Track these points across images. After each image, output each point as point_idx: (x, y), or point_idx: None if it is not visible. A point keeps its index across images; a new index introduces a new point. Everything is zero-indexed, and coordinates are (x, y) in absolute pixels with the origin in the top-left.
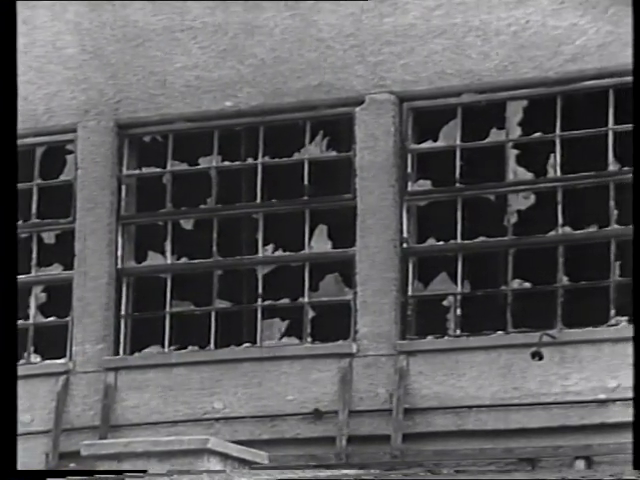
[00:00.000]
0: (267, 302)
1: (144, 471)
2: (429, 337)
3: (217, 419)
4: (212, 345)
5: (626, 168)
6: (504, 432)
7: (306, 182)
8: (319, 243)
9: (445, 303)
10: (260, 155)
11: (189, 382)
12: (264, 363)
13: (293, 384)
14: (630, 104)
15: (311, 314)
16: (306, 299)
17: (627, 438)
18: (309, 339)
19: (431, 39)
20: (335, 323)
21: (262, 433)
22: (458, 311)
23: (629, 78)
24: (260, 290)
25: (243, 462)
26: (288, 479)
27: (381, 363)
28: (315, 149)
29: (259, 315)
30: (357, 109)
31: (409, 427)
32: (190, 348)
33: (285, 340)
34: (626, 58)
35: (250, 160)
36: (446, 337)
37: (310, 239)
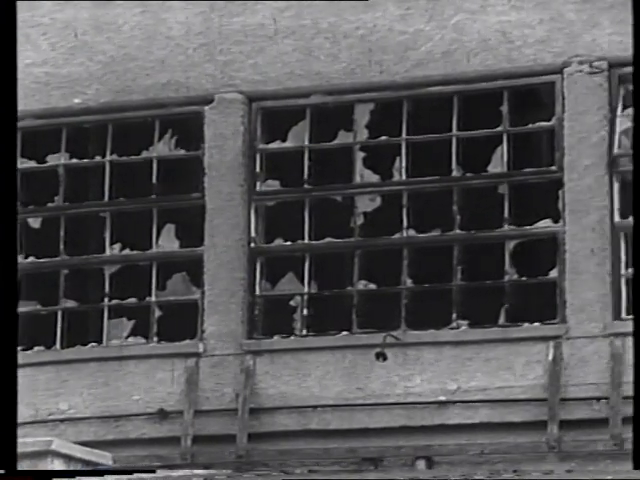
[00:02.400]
0: (114, 301)
1: (153, 471)
2: (276, 337)
3: (62, 420)
4: (58, 345)
5: (469, 174)
6: (348, 432)
7: (154, 180)
8: (167, 242)
9: (292, 303)
10: (108, 153)
11: (35, 383)
12: (110, 363)
13: (139, 384)
14: (475, 111)
15: (158, 313)
16: (153, 298)
17: (466, 439)
18: (155, 338)
19: (280, 39)
20: (182, 322)
21: (107, 434)
22: (305, 311)
23: (473, 85)
24: (107, 289)
25: (87, 463)
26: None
27: (228, 363)
28: (164, 147)
29: (105, 314)
30: (206, 108)
31: (254, 427)
32: (36, 348)
33: (131, 340)
34: (469, 66)
35: (98, 158)
36: (292, 337)
37: (158, 238)
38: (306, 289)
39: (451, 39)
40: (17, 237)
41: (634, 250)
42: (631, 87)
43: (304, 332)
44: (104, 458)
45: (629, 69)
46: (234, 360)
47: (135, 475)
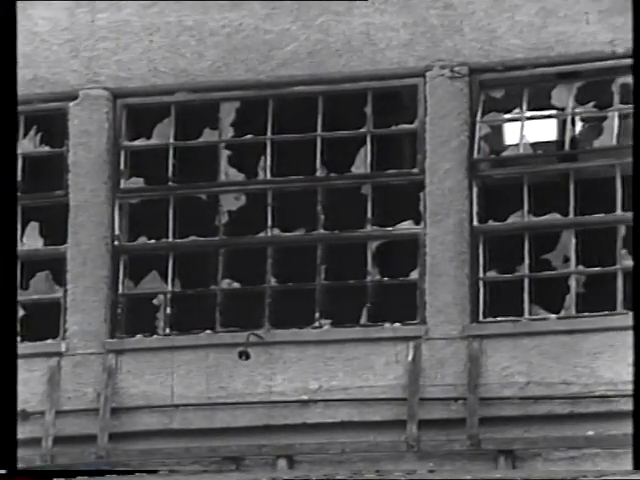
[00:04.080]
0: None
1: (155, 471)
2: (138, 336)
3: None
4: None
5: (333, 174)
6: (210, 431)
7: (18, 178)
8: (30, 240)
9: (155, 302)
10: None
11: None
12: None
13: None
14: (339, 111)
15: (21, 312)
16: (17, 297)
17: (327, 438)
18: (18, 338)
19: (146, 36)
20: (45, 322)
21: None
22: (168, 310)
23: (337, 86)
24: None
25: None
26: None
27: (90, 362)
28: (29, 144)
29: None
30: (71, 104)
31: (116, 426)
32: None
33: None
34: (334, 67)
35: None
36: (155, 336)
37: (22, 236)
38: (169, 288)
39: (316, 39)
40: (17, 229)
41: (634, 246)
42: (491, 93)
43: (167, 331)
44: None
45: (490, 75)
46: (96, 359)
47: (136, 475)
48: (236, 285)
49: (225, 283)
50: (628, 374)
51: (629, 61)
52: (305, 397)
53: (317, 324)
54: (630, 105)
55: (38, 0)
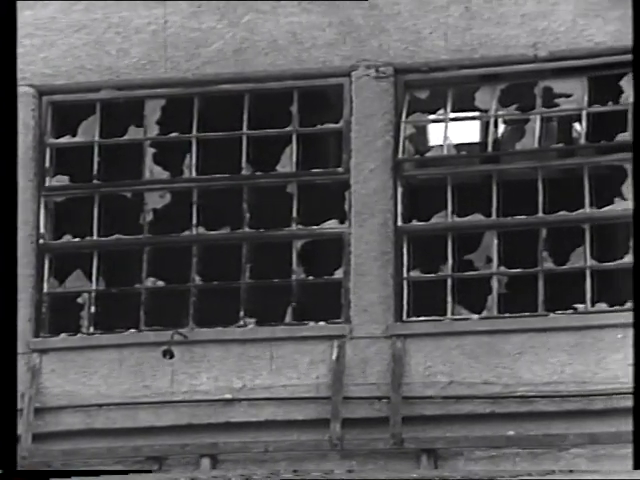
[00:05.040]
0: None
1: (149, 471)
2: (62, 335)
3: None
4: None
5: (259, 173)
6: (133, 430)
7: None
8: None
9: (79, 300)
10: None
11: None
12: None
13: None
14: (265, 110)
15: None
16: None
17: (251, 437)
18: None
19: (71, 33)
20: None
21: None
22: (92, 308)
23: (263, 84)
24: None
25: None
26: None
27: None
28: None
29: None
30: None
31: (39, 427)
32: None
33: None
34: (260, 65)
35: None
36: (79, 335)
37: None
38: (94, 286)
39: (242, 38)
40: (16, 229)
41: (634, 242)
42: (416, 94)
43: (91, 330)
44: None
45: (414, 76)
46: (21, 359)
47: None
48: (160, 284)
49: (149, 282)
50: (549, 375)
51: (551, 65)
52: (229, 396)
53: (242, 323)
54: (552, 108)
55: (38, 0)
